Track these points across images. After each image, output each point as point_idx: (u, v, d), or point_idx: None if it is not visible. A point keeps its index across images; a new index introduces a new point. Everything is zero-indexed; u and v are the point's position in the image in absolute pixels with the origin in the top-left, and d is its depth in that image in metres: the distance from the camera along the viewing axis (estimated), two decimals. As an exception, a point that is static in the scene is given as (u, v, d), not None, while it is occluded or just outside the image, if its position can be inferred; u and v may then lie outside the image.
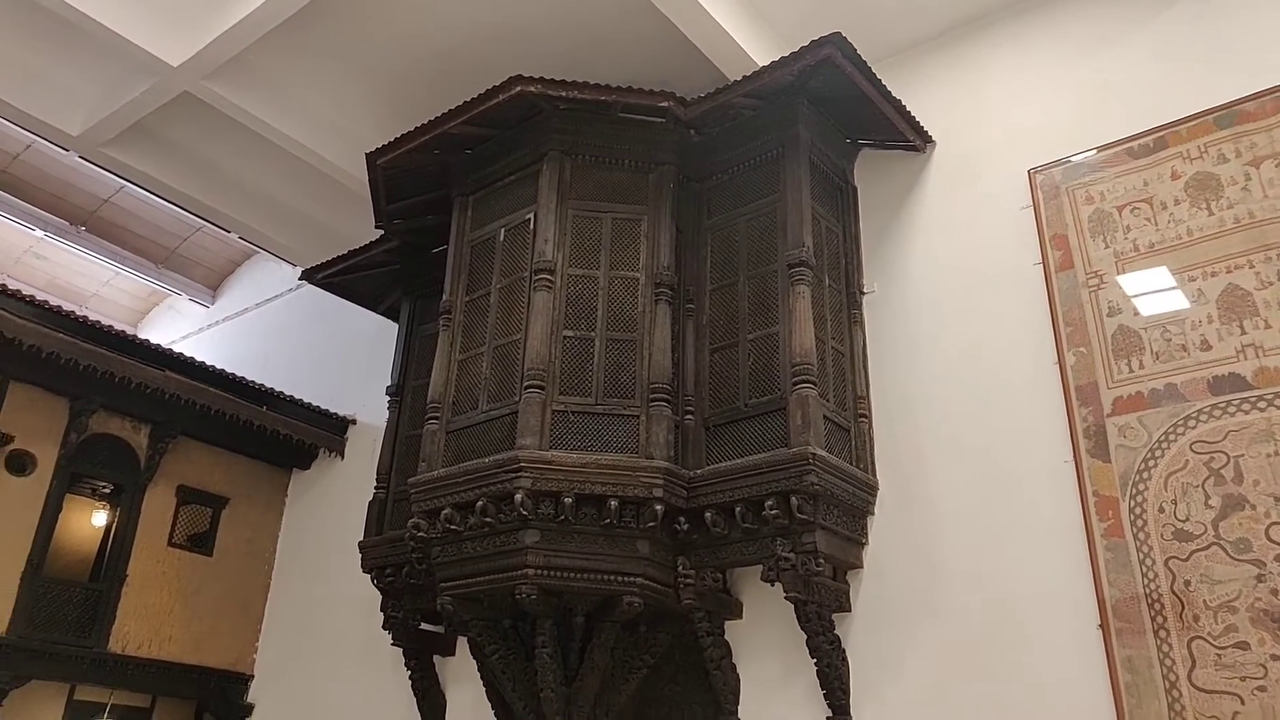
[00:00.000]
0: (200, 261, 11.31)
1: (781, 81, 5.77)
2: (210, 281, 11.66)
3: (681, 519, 5.49)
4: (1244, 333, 4.79)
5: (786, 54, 5.65)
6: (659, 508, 5.35)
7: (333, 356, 9.56)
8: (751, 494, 5.25)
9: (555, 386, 5.64)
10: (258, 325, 10.79)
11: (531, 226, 6.06)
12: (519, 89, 5.80)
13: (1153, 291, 5.10)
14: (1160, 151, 5.33)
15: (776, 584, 5.26)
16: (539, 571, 5.37)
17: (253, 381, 8.52)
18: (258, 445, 8.83)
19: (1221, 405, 4.73)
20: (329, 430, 8.93)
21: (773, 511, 5.15)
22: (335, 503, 8.74)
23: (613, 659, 5.81)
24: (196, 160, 7.94)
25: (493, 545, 5.53)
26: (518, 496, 5.31)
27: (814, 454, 5.07)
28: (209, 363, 8.43)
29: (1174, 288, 5.05)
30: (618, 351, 5.76)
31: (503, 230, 6.28)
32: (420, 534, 5.80)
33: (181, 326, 11.49)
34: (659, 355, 5.70)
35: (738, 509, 5.31)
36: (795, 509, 5.09)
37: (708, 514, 5.42)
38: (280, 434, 8.54)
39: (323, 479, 9.05)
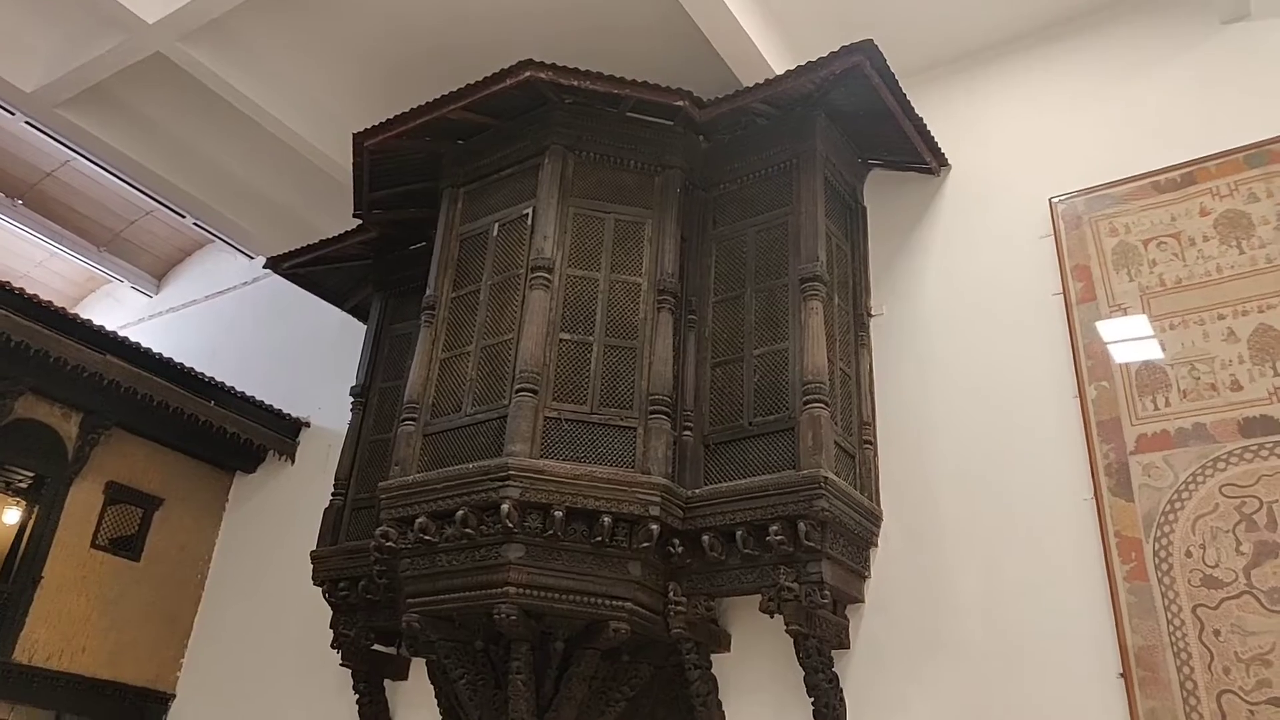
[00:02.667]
0: (147, 247, 10.61)
1: (802, 90, 5.55)
2: (155, 270, 10.94)
3: (676, 541, 5.12)
4: (1277, 374, 4.62)
5: (806, 62, 5.44)
6: (654, 527, 4.98)
7: (287, 356, 8.98)
8: (755, 517, 4.91)
9: (549, 392, 5.26)
10: (206, 318, 10.13)
11: (529, 222, 5.70)
12: (529, 74, 5.46)
13: (1180, 327, 4.94)
14: (1189, 187, 5.20)
15: (772, 616, 4.91)
16: (521, 590, 4.95)
17: (201, 373, 7.92)
18: (200, 443, 8.18)
19: (1253, 448, 4.55)
20: (280, 432, 8.33)
21: (777, 537, 4.81)
22: (281, 510, 8.13)
23: (589, 690, 5.39)
24: (159, 131, 7.39)
25: (471, 559, 5.08)
26: (504, 507, 4.89)
27: (826, 478, 4.76)
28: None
29: (1203, 325, 4.89)
30: (616, 359, 5.41)
31: (496, 225, 5.90)
32: (389, 543, 5.32)
33: (120, 315, 10.74)
34: (660, 365, 5.36)
35: (739, 533, 4.96)
36: (803, 535, 4.77)
37: (705, 537, 5.06)
38: (227, 432, 7.92)
39: (269, 484, 8.44)
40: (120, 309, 11.04)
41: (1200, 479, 4.62)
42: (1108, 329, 5.11)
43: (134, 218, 10.25)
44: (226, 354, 9.25)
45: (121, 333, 7.80)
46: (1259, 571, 4.35)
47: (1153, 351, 4.95)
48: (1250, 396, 4.65)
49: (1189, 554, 4.52)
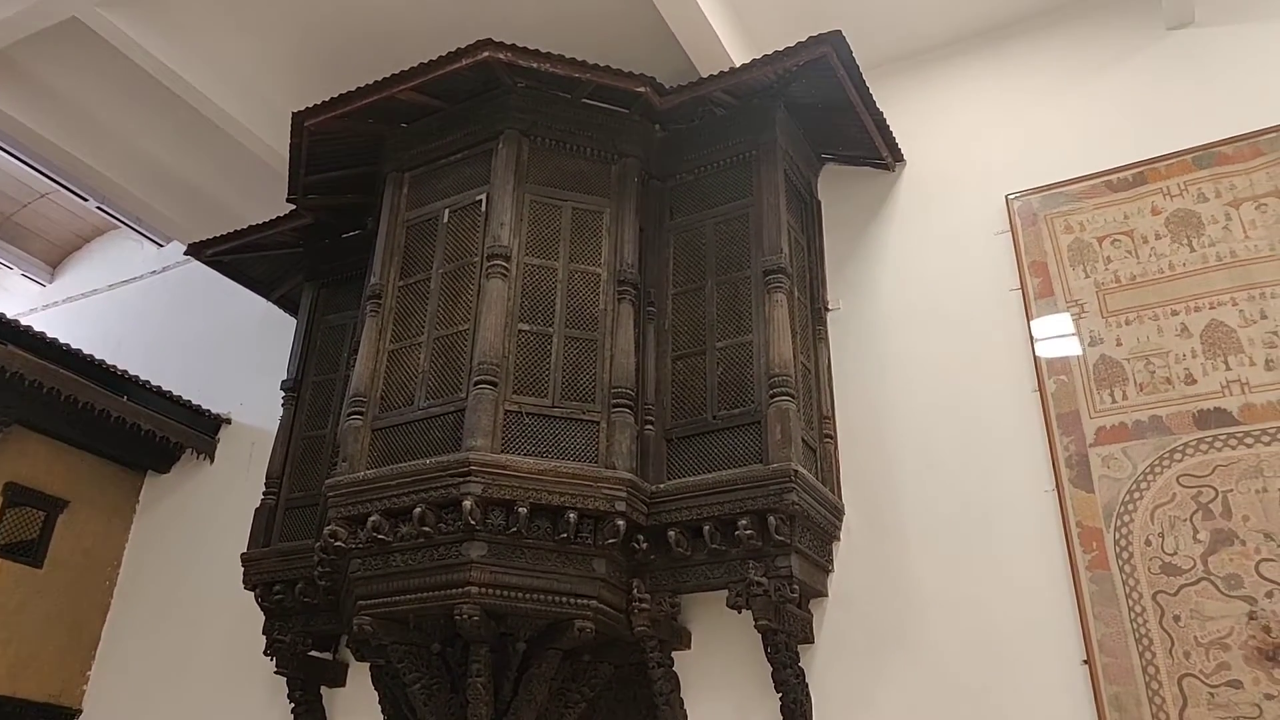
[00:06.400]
0: (41, 233, 9.87)
1: (764, 80, 5.49)
2: (50, 257, 10.21)
3: (640, 537, 5.00)
4: (1228, 368, 4.78)
5: (770, 52, 5.39)
6: (620, 523, 4.85)
7: (202, 349, 8.47)
8: (723, 512, 4.83)
9: (509, 384, 5.06)
10: (109, 309, 9.48)
11: (483, 209, 5.50)
12: (487, 55, 5.25)
13: (1135, 323, 5.06)
14: (1140, 186, 5.34)
15: (735, 612, 4.86)
16: (483, 590, 4.74)
17: (112, 366, 7.38)
18: (109, 441, 7.63)
19: (1208, 439, 4.69)
20: (198, 429, 7.83)
21: (746, 532, 4.75)
22: (200, 512, 7.66)
23: (549, 691, 5.22)
24: (69, 106, 6.84)
25: (429, 559, 4.85)
26: (466, 504, 4.68)
27: (796, 471, 4.72)
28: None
29: (1157, 320, 5.02)
30: (577, 351, 5.25)
31: (447, 211, 5.67)
32: (338, 543, 5.04)
33: (9, 305, 9.94)
34: (622, 357, 5.23)
35: (706, 528, 4.87)
36: (773, 529, 4.71)
37: (671, 532, 4.96)
38: (141, 429, 7.40)
39: (185, 484, 7.93)
40: (9, 299, 10.27)
41: (1158, 470, 4.73)
42: (1065, 324, 5.20)
43: (27, 200, 9.54)
44: (133, 347, 8.68)
45: (16, 323, 7.22)
46: (1215, 559, 4.48)
47: (1109, 346, 5.06)
48: (1204, 390, 4.79)
49: (1148, 543, 4.62)
